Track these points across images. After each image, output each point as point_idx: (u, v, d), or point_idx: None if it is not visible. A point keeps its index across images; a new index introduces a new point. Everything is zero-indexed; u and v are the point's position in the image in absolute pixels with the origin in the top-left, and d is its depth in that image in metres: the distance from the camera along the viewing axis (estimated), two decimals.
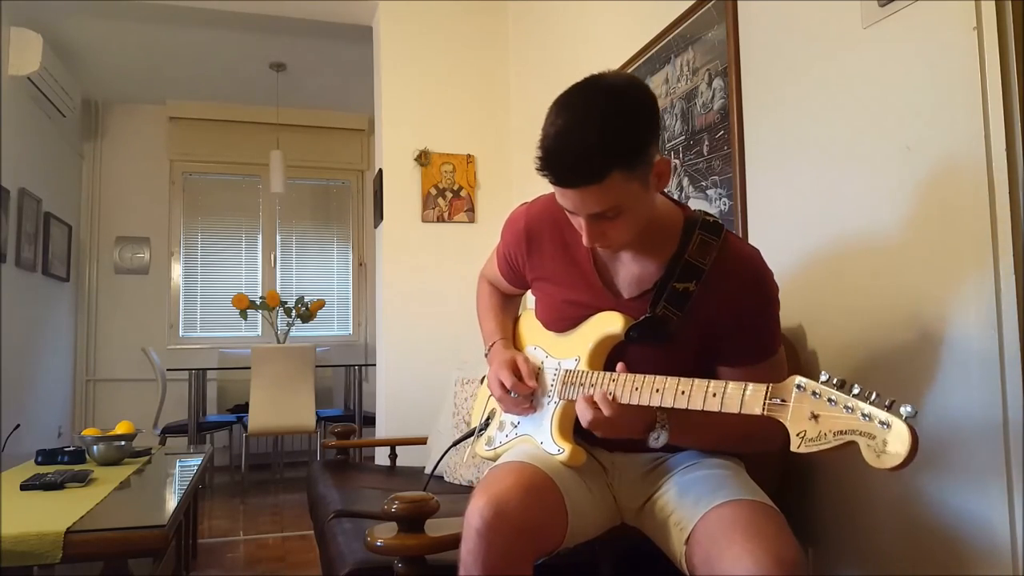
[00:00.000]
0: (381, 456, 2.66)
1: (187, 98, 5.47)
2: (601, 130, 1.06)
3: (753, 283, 1.21)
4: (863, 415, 0.83)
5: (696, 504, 1.12)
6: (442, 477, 2.29)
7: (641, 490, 1.27)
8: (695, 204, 2.01)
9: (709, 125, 1.96)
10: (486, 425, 1.44)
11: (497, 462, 1.29)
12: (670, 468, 1.26)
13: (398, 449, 2.54)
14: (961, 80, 1.23)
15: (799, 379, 0.92)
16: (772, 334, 1.24)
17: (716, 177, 1.93)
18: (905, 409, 0.81)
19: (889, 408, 0.82)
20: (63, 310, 5.07)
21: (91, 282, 5.41)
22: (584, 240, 1.16)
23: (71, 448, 2.40)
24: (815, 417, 0.88)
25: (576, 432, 1.27)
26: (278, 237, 5.79)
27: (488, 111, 3.57)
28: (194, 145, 5.60)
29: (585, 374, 1.23)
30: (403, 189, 3.48)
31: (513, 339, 1.49)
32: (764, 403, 0.95)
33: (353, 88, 5.08)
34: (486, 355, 1.47)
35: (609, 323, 1.24)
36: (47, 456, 2.36)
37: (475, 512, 1.07)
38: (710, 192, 1.96)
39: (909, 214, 1.34)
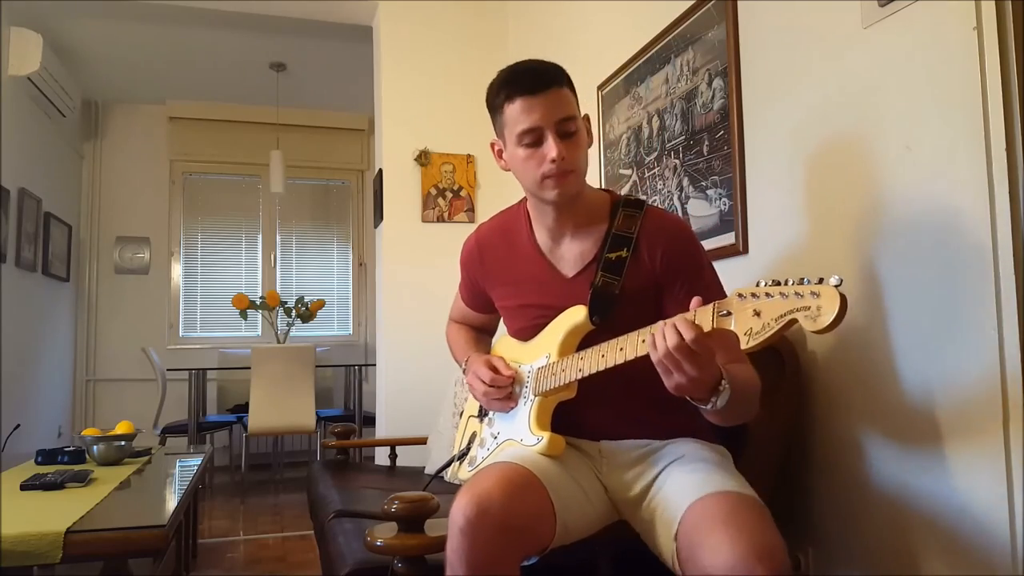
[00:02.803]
0: (381, 456, 2.66)
1: (187, 98, 5.47)
2: (547, 62, 1.32)
3: (676, 239, 1.34)
4: (796, 295, 0.91)
5: (681, 501, 1.13)
6: (442, 477, 2.29)
7: (631, 480, 1.28)
8: (695, 204, 2.01)
9: (709, 125, 1.96)
10: (467, 450, 1.47)
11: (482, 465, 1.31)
12: (657, 462, 1.27)
13: (398, 449, 2.54)
14: (961, 80, 1.23)
15: (739, 289, 0.99)
16: (709, 283, 1.32)
17: (716, 177, 1.93)
18: (833, 278, 0.89)
19: (820, 283, 0.90)
20: (63, 310, 5.07)
21: (91, 282, 5.41)
22: (552, 155, 1.25)
23: (71, 448, 2.40)
24: (757, 313, 0.95)
25: (558, 426, 1.30)
26: (278, 237, 5.79)
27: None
28: (194, 145, 5.60)
29: (556, 364, 1.29)
30: (403, 189, 3.48)
31: None
32: (713, 318, 1.01)
33: (353, 88, 5.08)
34: (463, 371, 1.51)
35: (573, 316, 1.31)
36: (47, 456, 2.35)
37: (458, 511, 1.08)
38: (710, 192, 1.96)
39: (909, 214, 1.34)
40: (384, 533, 1.25)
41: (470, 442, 1.48)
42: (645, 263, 1.31)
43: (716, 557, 0.99)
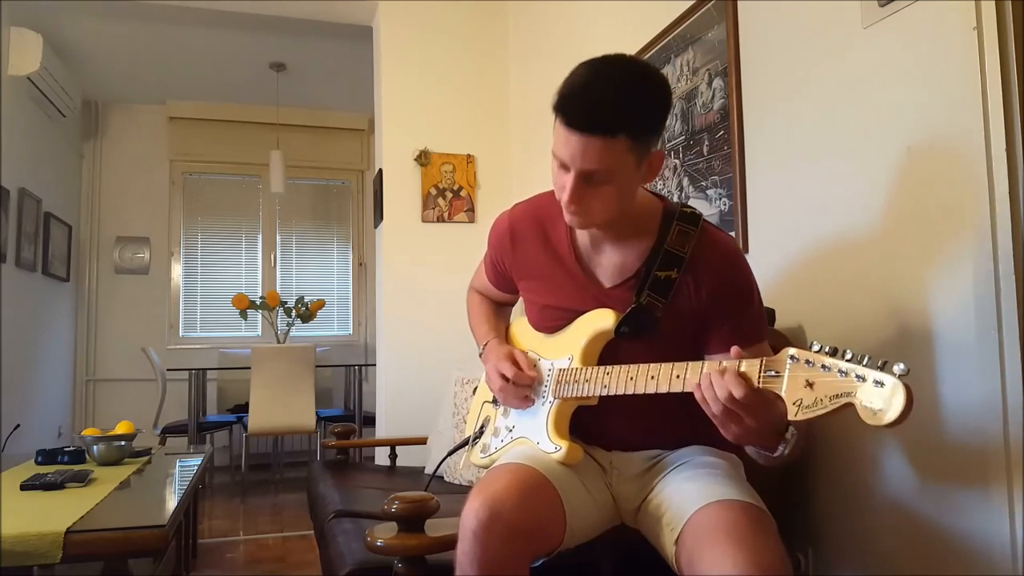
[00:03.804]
0: (381, 456, 2.66)
1: (187, 98, 5.47)
2: (626, 91, 1.11)
3: (730, 268, 1.24)
4: (857, 376, 0.85)
5: (685, 505, 1.12)
6: (442, 477, 2.29)
7: (639, 489, 1.27)
8: (695, 204, 2.01)
9: (709, 125, 1.96)
10: (480, 434, 1.45)
11: (494, 464, 1.30)
12: (665, 467, 1.26)
13: (398, 449, 2.54)
14: (961, 80, 1.23)
15: (792, 350, 0.93)
16: (756, 320, 1.26)
17: (716, 177, 1.93)
18: (898, 367, 0.82)
19: (882, 368, 0.84)
20: (63, 310, 5.07)
21: (91, 282, 5.41)
22: (564, 196, 1.16)
23: (71, 448, 2.40)
24: (810, 385, 0.89)
25: (572, 431, 1.28)
26: (278, 237, 5.79)
27: (488, 111, 3.56)
28: (194, 145, 5.60)
29: (579, 371, 1.25)
30: (403, 189, 3.48)
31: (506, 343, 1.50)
32: (759, 377, 0.96)
33: (353, 88, 5.08)
34: (480, 355, 1.48)
35: (600, 320, 1.26)
36: (47, 456, 2.36)
37: (470, 513, 1.07)
38: (710, 192, 1.96)
39: (909, 214, 1.34)
40: (384, 533, 1.25)
41: (483, 427, 1.45)
42: (692, 287, 1.23)
43: (716, 570, 0.98)
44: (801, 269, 1.63)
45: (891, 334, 1.38)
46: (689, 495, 1.13)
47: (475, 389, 1.57)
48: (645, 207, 1.28)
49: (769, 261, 1.73)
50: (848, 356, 0.87)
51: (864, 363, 0.85)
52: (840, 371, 0.87)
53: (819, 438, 1.57)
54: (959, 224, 1.24)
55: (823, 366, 0.89)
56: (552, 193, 1.36)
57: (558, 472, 1.20)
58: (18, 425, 3.79)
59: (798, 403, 0.90)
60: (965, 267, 1.23)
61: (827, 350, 0.89)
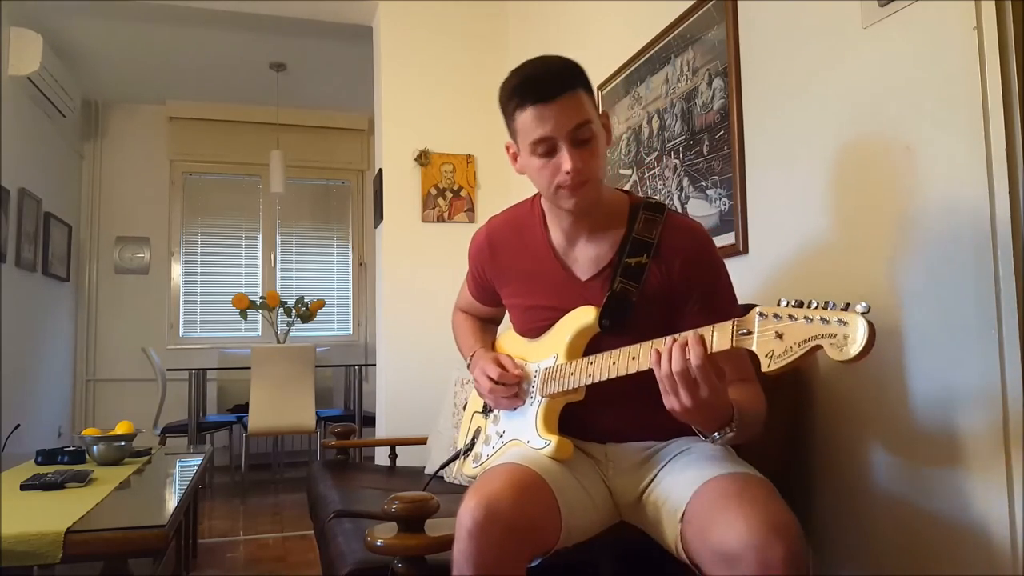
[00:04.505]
0: (381, 456, 2.66)
1: (187, 98, 5.47)
2: (559, 59, 1.26)
3: (697, 249, 1.31)
4: (822, 320, 0.89)
5: (687, 487, 1.13)
6: (442, 477, 2.29)
7: (636, 481, 1.28)
8: (695, 204, 2.01)
9: (709, 125, 1.96)
10: (472, 445, 1.46)
11: (488, 466, 1.31)
12: (662, 458, 1.27)
13: (398, 449, 2.54)
14: (961, 80, 1.23)
15: (760, 308, 0.97)
16: (725, 298, 1.31)
17: (716, 177, 1.93)
18: (860, 306, 0.86)
19: (845, 309, 0.88)
20: (63, 310, 5.07)
21: (91, 282, 5.41)
22: (568, 165, 1.21)
23: (71, 448, 2.40)
24: (779, 336, 0.93)
25: (564, 428, 1.29)
26: (278, 237, 5.79)
27: (488, 111, 3.52)
28: (194, 145, 5.60)
29: (564, 366, 1.28)
30: (403, 189, 3.48)
31: None
32: (732, 337, 1.00)
33: (353, 88, 5.09)
34: (468, 366, 1.51)
35: (582, 316, 1.29)
36: (47, 456, 2.35)
37: (466, 513, 1.07)
38: (710, 192, 1.96)
39: (909, 214, 1.34)
40: (384, 533, 1.25)
41: (474, 438, 1.47)
42: (663, 271, 1.28)
43: (730, 532, 0.99)
44: (801, 269, 1.63)
45: (891, 332, 1.38)
46: (689, 478, 1.15)
47: (464, 405, 1.59)
48: (614, 200, 1.35)
49: (769, 261, 1.73)
50: (814, 305, 0.91)
51: (828, 308, 0.89)
52: (806, 318, 0.91)
53: (819, 437, 1.57)
54: (958, 224, 1.24)
55: (790, 316, 0.93)
56: (522, 203, 1.46)
57: (553, 471, 1.21)
58: (18, 425, 3.79)
59: (770, 355, 0.93)
60: (965, 266, 1.23)
61: (793, 303, 0.93)
